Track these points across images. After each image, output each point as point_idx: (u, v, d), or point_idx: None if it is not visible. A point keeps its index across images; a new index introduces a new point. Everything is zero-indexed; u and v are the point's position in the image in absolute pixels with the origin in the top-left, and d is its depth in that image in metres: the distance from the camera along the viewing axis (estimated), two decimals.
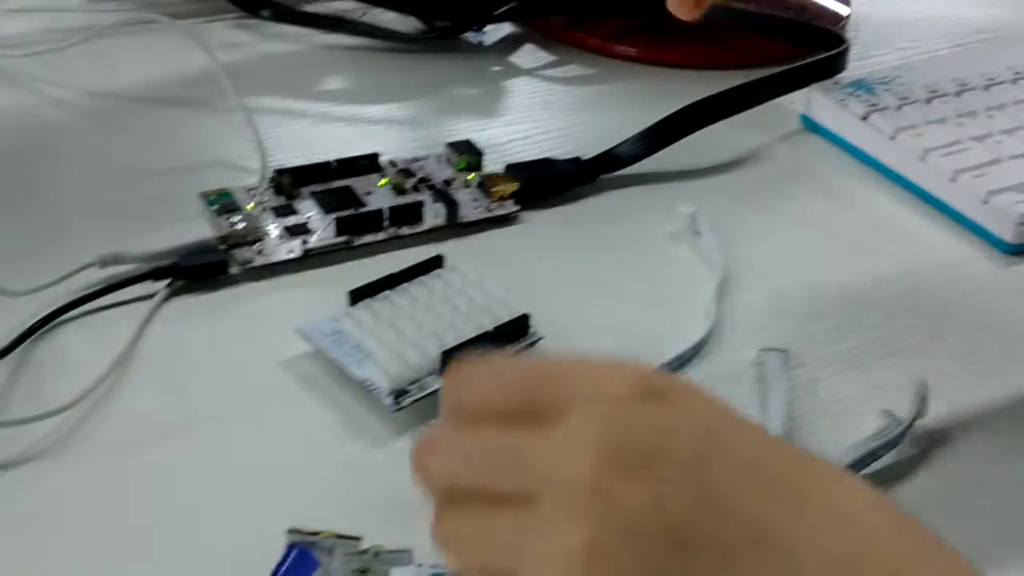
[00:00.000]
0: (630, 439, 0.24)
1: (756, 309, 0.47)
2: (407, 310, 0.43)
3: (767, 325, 0.46)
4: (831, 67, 0.61)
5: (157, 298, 0.45)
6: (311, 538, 0.33)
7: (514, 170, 0.53)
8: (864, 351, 0.45)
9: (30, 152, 0.55)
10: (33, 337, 0.42)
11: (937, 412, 0.41)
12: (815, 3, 0.71)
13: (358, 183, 0.52)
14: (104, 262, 0.45)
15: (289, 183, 0.51)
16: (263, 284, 0.47)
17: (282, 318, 0.44)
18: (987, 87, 0.61)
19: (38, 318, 0.42)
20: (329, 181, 0.52)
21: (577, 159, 0.55)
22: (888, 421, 0.40)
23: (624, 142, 0.55)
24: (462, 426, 0.27)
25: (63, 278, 0.44)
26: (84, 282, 0.45)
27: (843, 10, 0.71)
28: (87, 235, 0.47)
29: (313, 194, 0.51)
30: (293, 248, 0.48)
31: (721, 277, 0.48)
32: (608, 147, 0.55)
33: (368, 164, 0.53)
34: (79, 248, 0.46)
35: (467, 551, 0.26)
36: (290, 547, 0.33)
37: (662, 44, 0.68)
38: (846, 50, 0.62)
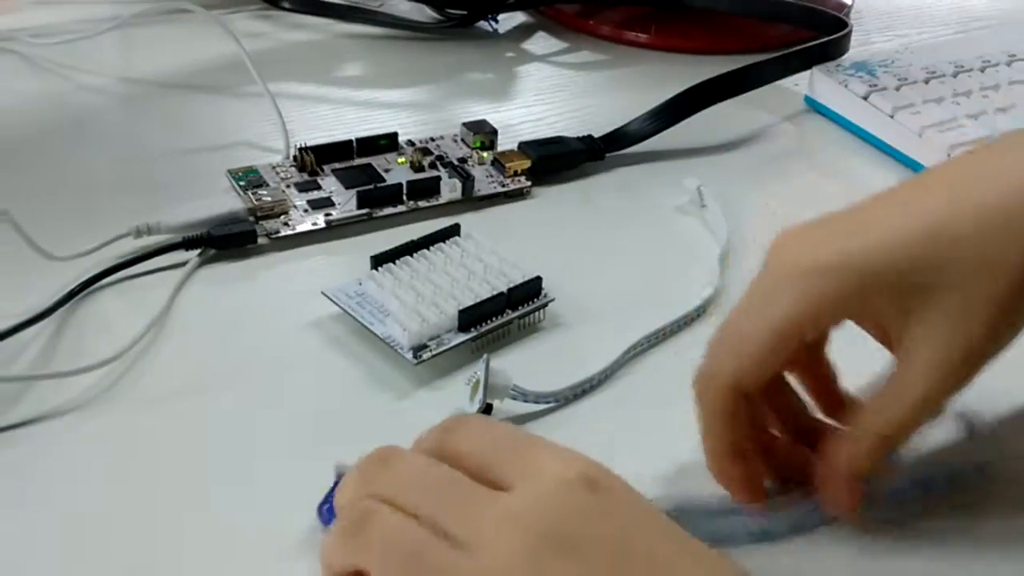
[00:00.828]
0: (565, 521, 0.27)
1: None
2: (425, 273, 0.45)
3: None
4: (833, 50, 0.64)
5: (189, 266, 0.47)
6: None
7: (527, 147, 0.56)
8: None
9: (65, 134, 0.58)
10: (74, 300, 0.44)
11: None
12: None
13: (378, 161, 0.55)
14: (139, 232, 0.48)
15: (312, 161, 0.53)
16: (289, 253, 0.49)
17: (307, 284, 0.46)
18: (983, 68, 0.63)
19: (78, 282, 0.45)
20: (350, 159, 0.55)
21: (589, 137, 0.57)
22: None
23: (633, 121, 0.58)
24: (436, 457, 0.30)
25: (101, 246, 0.47)
26: (120, 251, 0.47)
27: (846, 0, 0.73)
28: (121, 209, 0.50)
29: (335, 171, 0.54)
30: (317, 220, 0.50)
31: (725, 246, 0.50)
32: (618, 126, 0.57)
33: (388, 143, 0.56)
34: (114, 220, 0.48)
35: (393, 558, 0.28)
36: (339, 476, 0.35)
37: (672, 31, 0.70)
38: (848, 34, 0.64)
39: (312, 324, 0.45)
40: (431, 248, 0.46)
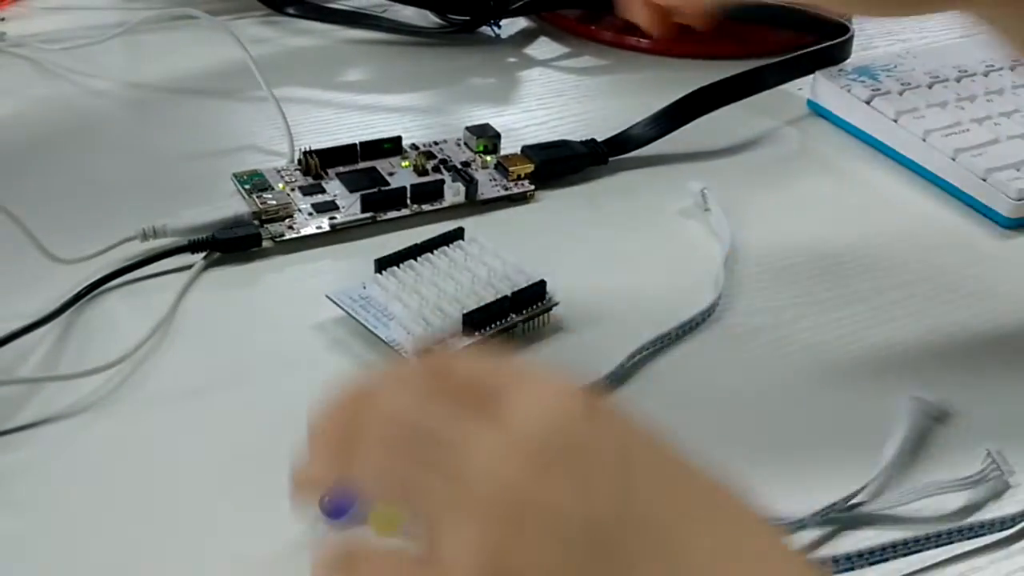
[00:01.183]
0: (562, 444, 0.25)
1: (762, 278, 0.49)
2: (429, 277, 0.45)
3: (772, 293, 0.49)
4: (836, 54, 0.64)
5: (195, 268, 0.48)
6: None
7: (530, 151, 0.56)
8: (864, 318, 0.47)
9: (72, 139, 0.58)
10: (80, 303, 0.45)
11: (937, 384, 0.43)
12: None
13: (382, 164, 0.55)
14: (145, 235, 0.48)
15: (316, 164, 0.54)
16: (293, 256, 0.49)
17: (312, 287, 0.47)
18: (986, 73, 0.63)
19: (85, 285, 0.45)
20: (354, 163, 0.55)
21: (592, 141, 0.57)
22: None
23: (636, 124, 0.58)
24: (428, 382, 0.28)
25: (107, 249, 0.47)
26: (126, 254, 0.48)
27: None
28: (127, 212, 0.50)
29: (339, 175, 0.54)
30: (321, 223, 0.51)
31: (729, 249, 0.50)
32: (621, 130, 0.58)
33: (391, 147, 0.56)
34: (120, 224, 0.48)
35: (394, 487, 0.27)
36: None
37: (674, 36, 0.70)
38: (850, 38, 0.64)
39: (316, 326, 0.45)
40: (435, 252, 0.47)
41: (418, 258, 0.46)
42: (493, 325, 0.44)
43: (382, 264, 0.46)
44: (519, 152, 0.56)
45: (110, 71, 0.64)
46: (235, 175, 0.53)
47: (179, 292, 0.46)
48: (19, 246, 0.44)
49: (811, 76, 0.63)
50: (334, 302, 0.45)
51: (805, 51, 0.63)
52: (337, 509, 0.36)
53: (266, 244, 0.49)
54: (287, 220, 0.50)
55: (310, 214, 0.51)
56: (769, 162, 0.59)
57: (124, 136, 0.59)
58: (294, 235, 0.50)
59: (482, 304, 0.43)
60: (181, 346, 0.44)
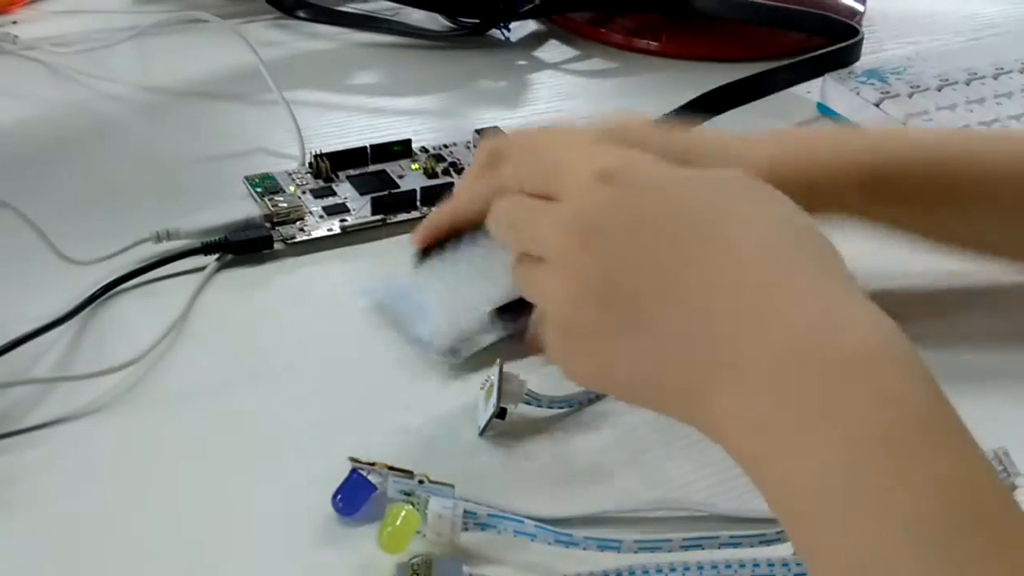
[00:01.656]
0: (596, 215, 0.33)
1: None
2: (465, 272, 0.44)
3: None
4: (845, 57, 0.64)
5: (208, 270, 0.48)
6: (369, 467, 0.36)
7: None
8: None
9: (84, 140, 0.58)
10: (94, 304, 0.45)
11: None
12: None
13: (392, 167, 0.55)
14: (159, 237, 0.48)
15: (327, 167, 0.54)
16: (305, 258, 0.50)
17: (322, 288, 0.47)
18: (996, 76, 0.63)
19: (99, 286, 0.46)
20: (364, 166, 0.55)
21: None
22: None
23: None
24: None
25: (121, 251, 0.47)
26: (140, 256, 0.48)
27: (859, 5, 0.74)
28: (139, 214, 0.50)
29: (350, 177, 0.54)
30: (332, 226, 0.51)
31: None
32: None
33: (401, 150, 0.56)
34: (133, 225, 0.49)
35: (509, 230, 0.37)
36: (352, 471, 0.36)
37: (683, 38, 0.70)
38: (860, 41, 0.65)
39: (327, 327, 0.45)
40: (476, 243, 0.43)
41: (457, 249, 0.43)
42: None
43: (421, 256, 0.43)
44: None
45: (122, 74, 0.65)
46: (247, 178, 0.53)
47: (192, 294, 0.46)
48: (34, 248, 0.45)
49: (821, 78, 0.63)
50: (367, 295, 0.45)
51: (814, 54, 0.63)
52: (349, 504, 0.36)
53: (277, 246, 0.50)
54: (298, 223, 0.51)
55: (321, 217, 0.51)
56: None
57: (136, 138, 0.59)
58: (305, 237, 0.50)
59: (511, 299, 0.42)
60: (195, 345, 0.44)
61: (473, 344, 0.43)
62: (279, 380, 0.43)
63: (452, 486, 0.36)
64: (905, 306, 0.38)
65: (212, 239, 0.49)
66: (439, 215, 0.42)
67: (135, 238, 0.48)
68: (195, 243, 0.49)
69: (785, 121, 0.62)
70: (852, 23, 0.68)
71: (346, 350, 0.44)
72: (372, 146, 0.56)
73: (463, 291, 0.44)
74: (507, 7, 0.70)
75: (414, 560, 0.34)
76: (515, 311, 0.43)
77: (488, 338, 0.43)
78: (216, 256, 0.49)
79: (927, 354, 0.29)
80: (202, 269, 0.48)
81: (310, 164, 0.54)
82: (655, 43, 0.70)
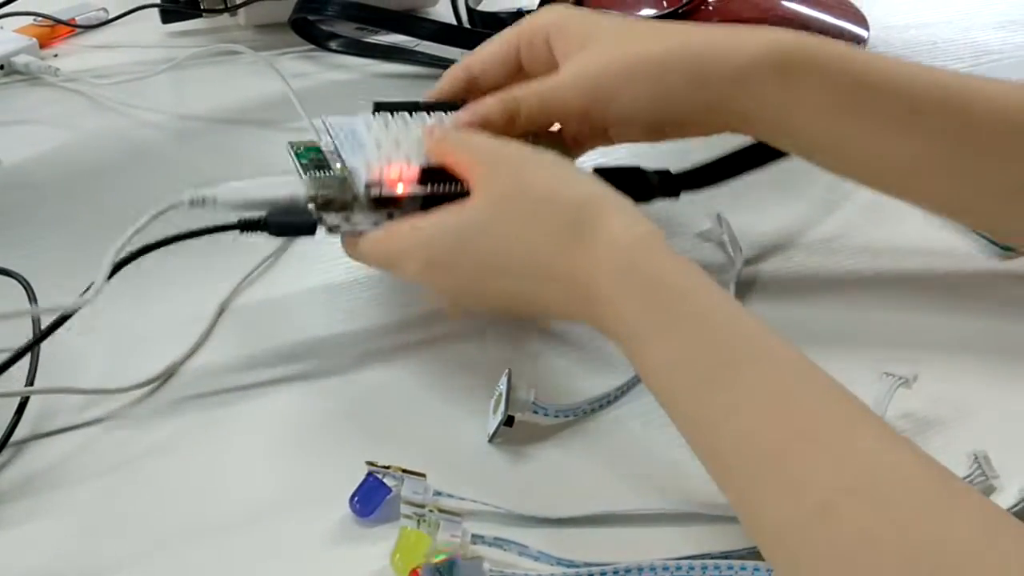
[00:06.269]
0: (441, 252, 0.42)
1: (773, 289, 0.53)
2: (410, 135, 0.46)
3: (782, 303, 0.51)
4: None
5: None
6: (384, 470, 0.39)
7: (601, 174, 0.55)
8: (863, 326, 0.50)
9: (125, 166, 0.62)
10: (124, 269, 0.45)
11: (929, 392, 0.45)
12: (835, 25, 0.76)
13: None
14: (193, 203, 0.45)
15: None
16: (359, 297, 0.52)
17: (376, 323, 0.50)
18: None
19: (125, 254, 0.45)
20: None
21: (666, 172, 0.53)
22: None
23: (714, 161, 0.55)
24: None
25: (155, 216, 0.45)
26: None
27: (862, 32, 0.76)
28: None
29: None
30: (379, 220, 0.46)
31: (739, 269, 0.53)
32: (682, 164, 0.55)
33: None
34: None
35: None
36: (368, 474, 0.39)
37: None
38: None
39: (350, 333, 0.49)
40: (432, 113, 0.48)
41: (414, 113, 0.48)
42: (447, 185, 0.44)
43: (379, 107, 0.49)
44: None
45: (159, 104, 0.69)
46: (291, 144, 0.49)
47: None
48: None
49: None
50: (325, 126, 0.48)
51: None
52: (366, 506, 0.39)
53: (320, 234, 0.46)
54: (344, 212, 0.45)
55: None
56: (784, 184, 0.60)
57: (173, 165, 0.63)
58: (349, 229, 0.45)
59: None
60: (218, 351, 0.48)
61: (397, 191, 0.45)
62: (298, 389, 0.46)
63: (460, 516, 0.38)
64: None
65: (251, 216, 0.45)
66: (455, 69, 0.50)
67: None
68: (232, 217, 0.45)
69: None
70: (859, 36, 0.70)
71: (366, 363, 0.47)
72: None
73: (401, 146, 0.46)
74: None
75: (439, 563, 0.36)
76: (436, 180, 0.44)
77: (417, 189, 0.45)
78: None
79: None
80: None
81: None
82: None
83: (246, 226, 0.45)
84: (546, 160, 0.43)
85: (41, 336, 0.44)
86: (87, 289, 0.43)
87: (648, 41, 0.46)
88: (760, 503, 0.33)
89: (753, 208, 0.59)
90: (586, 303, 0.39)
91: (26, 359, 0.44)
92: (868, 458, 0.32)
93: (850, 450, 0.32)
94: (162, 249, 0.45)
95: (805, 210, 0.60)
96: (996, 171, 0.45)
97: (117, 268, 0.44)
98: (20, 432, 0.43)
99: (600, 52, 0.46)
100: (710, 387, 0.35)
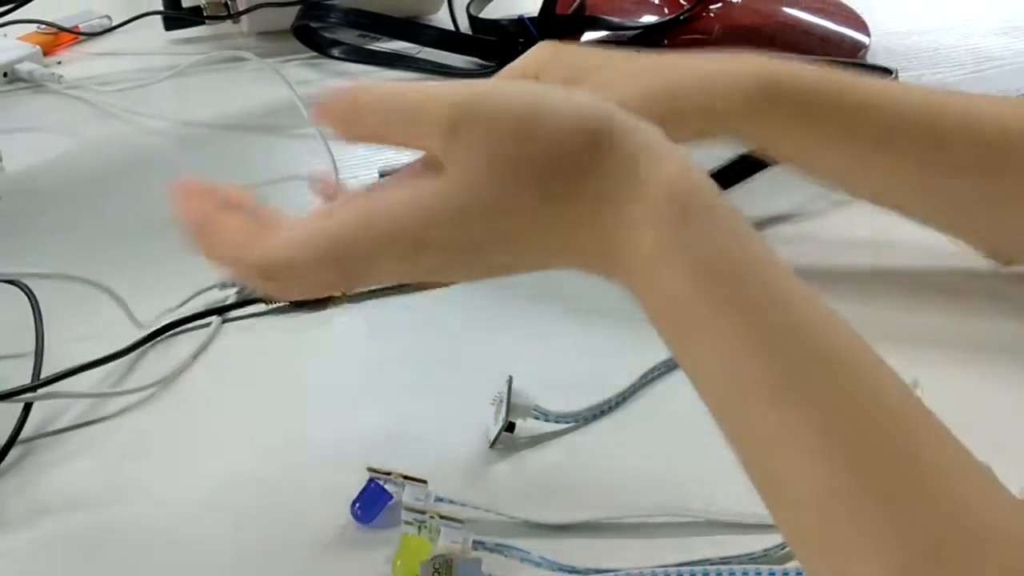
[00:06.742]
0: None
1: None
2: None
3: None
4: None
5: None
6: (386, 476, 0.39)
7: None
8: (866, 327, 0.49)
9: (129, 172, 0.63)
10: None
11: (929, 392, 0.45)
12: (836, 31, 0.76)
13: None
14: (224, 285, 0.51)
15: None
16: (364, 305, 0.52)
17: (378, 331, 0.50)
18: None
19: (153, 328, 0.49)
20: None
21: None
22: None
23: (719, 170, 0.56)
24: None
25: (187, 300, 0.51)
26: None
27: (864, 39, 0.76)
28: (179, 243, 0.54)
29: None
30: None
31: None
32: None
33: None
34: (174, 249, 0.52)
35: None
36: (370, 481, 0.39)
37: None
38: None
39: (362, 355, 0.49)
40: None
41: None
42: None
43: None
44: None
45: (163, 111, 0.69)
46: None
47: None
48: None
49: None
50: None
51: None
52: (367, 512, 0.39)
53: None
54: None
55: None
56: (788, 190, 0.60)
57: (177, 172, 0.63)
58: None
59: None
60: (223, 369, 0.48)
61: None
62: (303, 397, 0.46)
63: (461, 522, 0.38)
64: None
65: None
66: None
67: (179, 269, 0.50)
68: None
69: None
70: (883, 66, 0.69)
71: (365, 368, 0.48)
72: None
73: None
74: (526, 46, 0.73)
75: (436, 559, 0.37)
76: None
77: None
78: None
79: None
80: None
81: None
82: None
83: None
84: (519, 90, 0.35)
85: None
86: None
87: (627, 83, 0.47)
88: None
89: (751, 207, 0.59)
90: (612, 267, 0.33)
91: (29, 360, 0.45)
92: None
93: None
94: (162, 251, 0.46)
95: (804, 209, 0.60)
96: (971, 187, 0.47)
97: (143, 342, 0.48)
98: (26, 432, 0.43)
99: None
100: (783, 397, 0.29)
